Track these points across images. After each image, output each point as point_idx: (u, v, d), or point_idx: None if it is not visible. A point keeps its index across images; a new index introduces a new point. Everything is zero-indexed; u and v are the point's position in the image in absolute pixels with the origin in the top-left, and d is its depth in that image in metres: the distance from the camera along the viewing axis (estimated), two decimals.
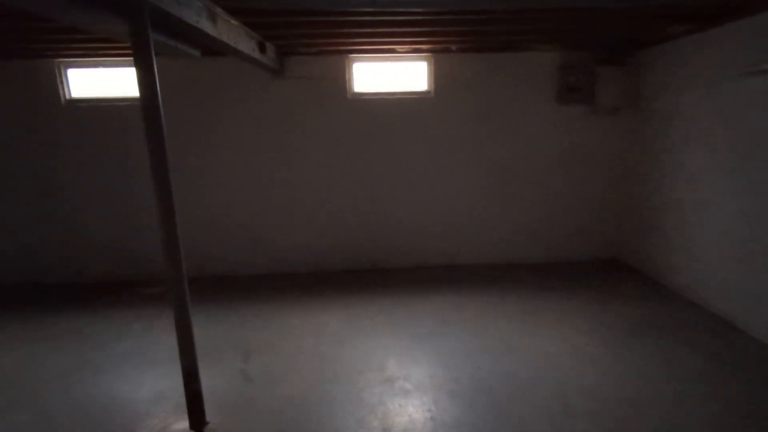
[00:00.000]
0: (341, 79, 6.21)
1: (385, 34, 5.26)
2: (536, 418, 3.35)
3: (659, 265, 5.94)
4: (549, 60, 6.33)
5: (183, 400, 3.41)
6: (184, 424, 3.39)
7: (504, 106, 6.43)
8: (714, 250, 4.95)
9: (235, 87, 6.10)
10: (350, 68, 6.24)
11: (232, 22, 4.11)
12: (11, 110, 5.98)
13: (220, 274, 6.63)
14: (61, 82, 5.97)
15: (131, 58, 6.09)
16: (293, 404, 3.61)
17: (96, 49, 5.63)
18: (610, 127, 6.59)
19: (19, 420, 3.53)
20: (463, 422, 3.34)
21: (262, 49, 4.87)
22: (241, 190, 6.45)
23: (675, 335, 4.54)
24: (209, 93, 6.12)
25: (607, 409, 3.44)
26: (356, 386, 3.83)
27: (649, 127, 6.03)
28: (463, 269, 6.66)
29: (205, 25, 3.54)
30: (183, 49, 4.20)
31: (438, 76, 6.29)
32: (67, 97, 6.03)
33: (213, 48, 4.32)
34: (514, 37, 5.60)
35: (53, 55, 5.77)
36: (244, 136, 6.28)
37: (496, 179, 6.65)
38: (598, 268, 6.64)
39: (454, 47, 6.14)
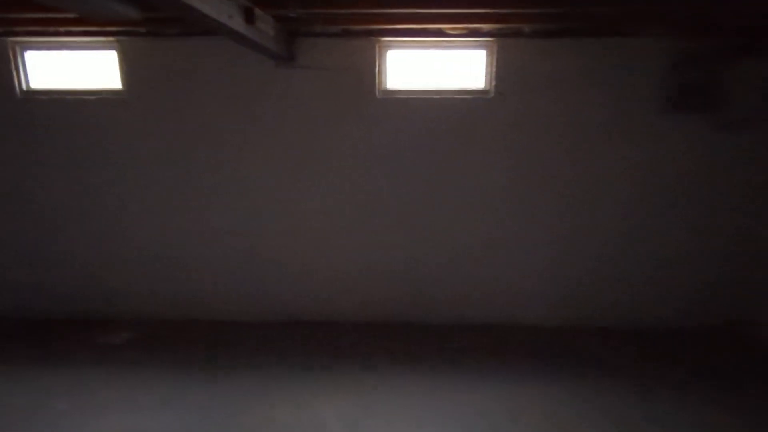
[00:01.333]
0: (369, 71, 4.65)
1: (432, 4, 3.68)
2: None
3: None
4: (657, 51, 4.52)
5: None
6: None
7: (591, 114, 4.66)
8: None
9: (221, 77, 4.67)
10: (382, 57, 4.68)
11: None
12: None
13: (200, 317, 5.17)
14: (17, 67, 4.74)
15: (105, 38, 4.85)
16: None
17: (59, 24, 4.35)
18: (743, 146, 4.67)
19: None
20: None
21: (249, 18, 3.38)
22: (233, 212, 4.98)
23: None
24: (188, 87, 4.72)
25: None
26: None
27: None
28: (519, 332, 4.90)
29: None
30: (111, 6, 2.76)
31: (502, 69, 4.62)
32: (24, 87, 4.79)
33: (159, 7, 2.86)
34: (614, 16, 3.86)
35: (5, 32, 4.54)
36: (233, 144, 4.83)
37: (573, 212, 4.87)
38: (721, 340, 4.69)
39: (527, 28, 4.45)
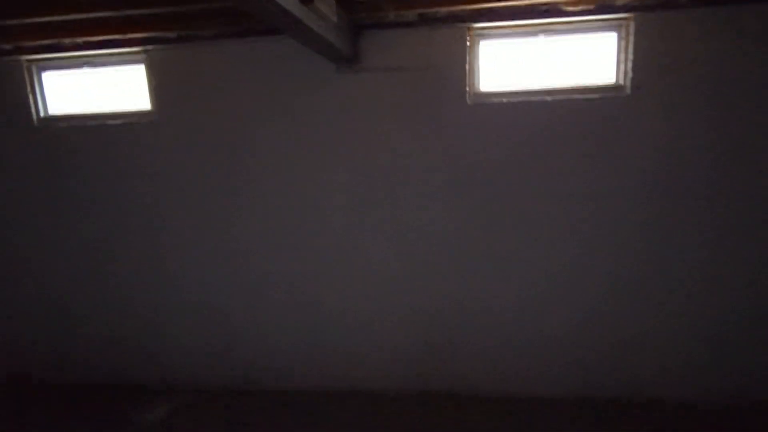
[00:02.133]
0: (457, 70, 3.52)
1: None
2: None
3: None
4: None
5: None
6: None
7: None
8: None
9: (267, 89, 3.69)
10: (474, 50, 3.54)
11: None
12: None
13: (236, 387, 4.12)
14: (33, 91, 4.00)
15: (130, 50, 4.02)
16: None
17: (73, 31, 3.56)
18: None
19: None
20: None
21: None
22: (282, 254, 3.95)
23: None
24: (228, 103, 3.77)
25: None
26: None
27: None
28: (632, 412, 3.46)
29: None
30: None
31: (641, 56, 3.34)
32: (42, 113, 4.04)
33: None
34: None
35: (15, 48, 3.81)
36: (283, 173, 3.81)
37: (726, 255, 3.44)
38: None
39: None
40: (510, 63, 3.58)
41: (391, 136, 3.66)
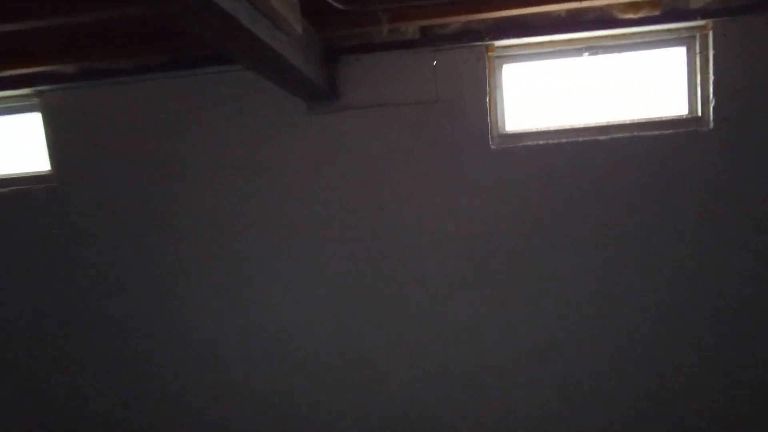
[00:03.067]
0: (474, 104, 2.55)
1: None
2: None
3: None
4: None
5: None
6: None
7: None
8: None
9: (212, 136, 2.65)
10: (495, 76, 2.59)
11: None
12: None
13: None
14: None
15: (20, 93, 2.74)
16: None
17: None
18: None
19: None
20: None
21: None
22: (236, 358, 2.82)
23: None
24: (155, 161, 2.72)
25: None
26: None
27: None
28: None
29: None
30: None
31: (726, 76, 2.44)
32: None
33: None
34: None
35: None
36: (234, 245, 2.74)
37: None
38: None
39: None
40: (545, 92, 2.63)
41: (384, 196, 2.63)
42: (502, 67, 2.60)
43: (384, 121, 2.58)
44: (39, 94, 2.74)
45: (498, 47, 2.53)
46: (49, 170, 2.83)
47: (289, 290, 2.76)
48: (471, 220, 2.62)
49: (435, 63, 2.51)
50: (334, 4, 2.08)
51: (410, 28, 2.38)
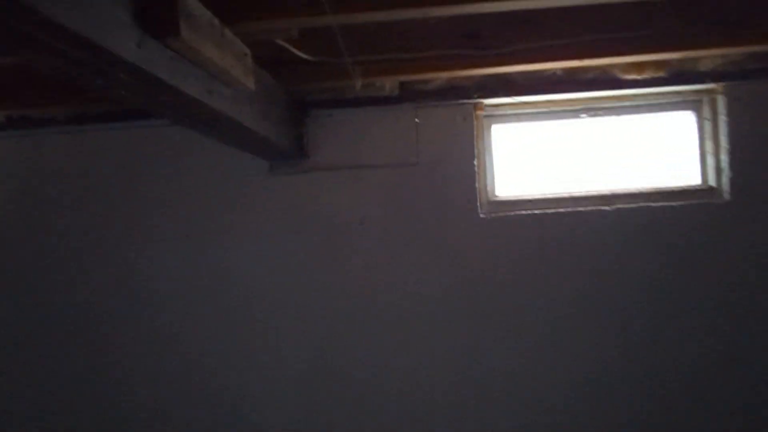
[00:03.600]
0: (461, 167, 2.25)
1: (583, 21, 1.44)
2: None
3: None
4: None
5: None
6: None
7: None
8: None
9: (155, 196, 2.32)
10: (484, 137, 2.31)
11: None
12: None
13: None
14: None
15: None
16: None
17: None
18: None
19: None
20: None
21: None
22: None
23: None
24: (90, 218, 2.37)
25: None
26: None
27: None
28: None
29: None
30: None
31: (742, 141, 2.17)
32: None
33: None
34: None
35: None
36: (198, 309, 2.35)
37: None
38: None
39: None
40: (539, 156, 2.36)
41: (356, 269, 2.28)
42: (491, 127, 2.34)
43: (357, 184, 2.27)
44: None
45: (487, 105, 2.27)
46: None
47: (245, 367, 2.36)
48: (456, 299, 2.27)
49: (417, 120, 2.24)
50: (300, 54, 1.81)
51: (388, 84, 2.11)
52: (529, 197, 2.32)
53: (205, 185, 2.31)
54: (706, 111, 2.26)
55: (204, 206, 2.31)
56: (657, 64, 2.13)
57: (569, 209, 2.26)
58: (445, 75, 2.06)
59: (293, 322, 2.31)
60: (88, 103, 2.24)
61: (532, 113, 2.32)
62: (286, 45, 1.70)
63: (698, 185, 2.27)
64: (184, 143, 2.26)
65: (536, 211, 2.26)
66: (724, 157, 2.20)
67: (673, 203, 2.22)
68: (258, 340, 2.35)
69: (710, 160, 2.25)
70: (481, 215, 2.27)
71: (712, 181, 2.25)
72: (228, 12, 1.35)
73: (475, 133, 2.26)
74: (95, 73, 0.99)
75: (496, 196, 2.33)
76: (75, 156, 2.41)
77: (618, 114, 2.30)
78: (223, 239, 2.32)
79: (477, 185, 2.26)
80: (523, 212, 2.28)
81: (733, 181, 2.18)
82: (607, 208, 2.24)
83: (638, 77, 2.16)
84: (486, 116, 2.31)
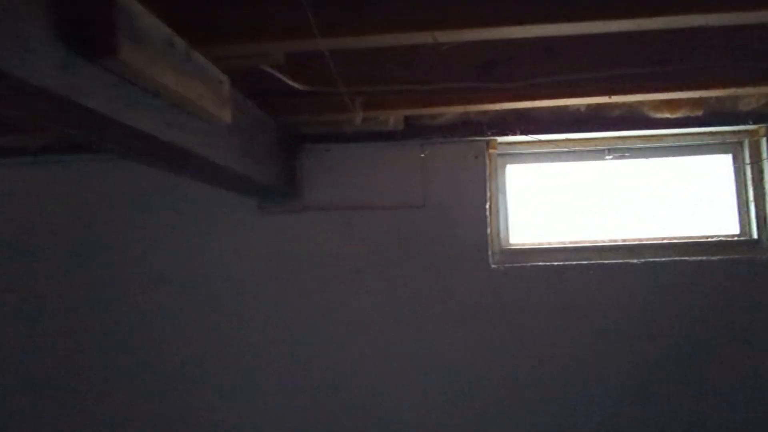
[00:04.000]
0: (471, 210, 2.01)
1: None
2: None
3: None
4: None
5: None
6: None
7: None
8: None
9: (144, 236, 2.09)
10: (497, 179, 2.08)
11: None
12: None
13: None
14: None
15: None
16: None
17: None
18: None
19: None
20: None
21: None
22: None
23: None
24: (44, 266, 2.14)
25: None
26: None
27: None
28: None
29: None
30: None
31: None
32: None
33: None
34: None
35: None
36: (172, 367, 2.08)
37: None
38: None
39: None
40: (558, 200, 2.11)
41: (351, 325, 2.02)
42: (505, 167, 2.11)
43: (355, 227, 2.03)
44: None
45: (501, 143, 2.05)
46: None
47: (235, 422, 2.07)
48: (463, 359, 1.99)
49: (423, 155, 2.01)
50: (292, 84, 1.60)
51: (392, 118, 1.89)
52: (547, 246, 2.07)
53: (185, 223, 2.07)
54: (747, 154, 2.02)
55: (182, 247, 2.07)
56: (693, 103, 1.91)
57: (592, 261, 2.00)
58: (456, 109, 1.84)
59: (279, 387, 2.03)
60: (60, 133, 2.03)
61: (552, 153, 2.08)
62: (275, 72, 1.49)
63: (738, 237, 2.01)
64: (161, 176, 2.04)
65: (555, 263, 2.01)
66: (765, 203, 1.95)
67: (711, 257, 1.96)
68: (244, 398, 2.07)
69: (751, 210, 2.00)
70: (493, 265, 2.01)
71: (754, 233, 1.99)
72: (201, 33, 1.15)
73: (487, 173, 2.02)
74: (8, 103, 0.77)
75: (510, 245, 2.08)
76: (44, 190, 2.19)
77: (647, 156, 2.07)
78: (203, 283, 2.07)
79: (488, 231, 2.02)
80: (540, 263, 2.02)
81: None
82: (635, 261, 1.98)
83: (671, 116, 1.94)
84: (500, 155, 2.08)
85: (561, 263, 2.01)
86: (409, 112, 1.84)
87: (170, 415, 2.07)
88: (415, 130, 1.99)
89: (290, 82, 1.58)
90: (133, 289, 2.11)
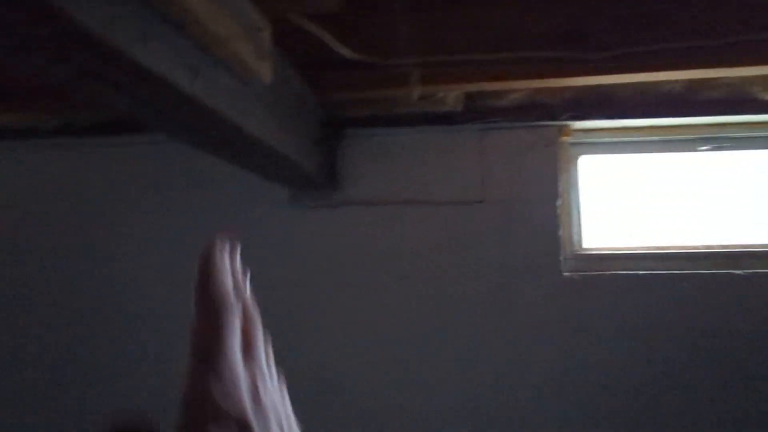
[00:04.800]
0: (540, 210, 1.72)
1: None
2: None
3: None
4: None
5: None
6: None
7: None
8: None
9: (166, 224, 1.84)
10: (570, 172, 1.78)
11: None
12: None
13: None
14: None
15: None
16: None
17: None
18: None
19: None
20: None
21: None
22: None
23: None
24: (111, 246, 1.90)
25: None
26: None
27: None
28: None
29: None
30: None
31: None
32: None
33: None
34: None
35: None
36: None
37: None
38: None
39: None
40: (643, 198, 1.80)
41: (393, 346, 1.73)
42: (579, 158, 1.80)
43: (403, 226, 1.75)
44: None
45: (576, 130, 1.75)
46: None
47: None
48: (529, 382, 1.68)
49: (483, 143, 1.73)
50: (341, 51, 1.34)
51: (451, 95, 1.61)
52: (629, 251, 1.75)
53: (206, 215, 1.82)
54: None
55: (202, 241, 1.82)
56: None
57: (685, 271, 1.68)
58: (528, 84, 1.55)
59: (309, 402, 1.75)
60: (78, 112, 1.81)
61: (635, 142, 1.77)
62: (323, 35, 1.23)
63: None
64: (182, 162, 1.79)
65: (639, 272, 1.69)
66: None
67: None
68: None
69: None
70: (565, 273, 1.70)
71: None
72: None
73: (559, 165, 1.72)
74: None
75: (584, 249, 1.77)
76: (60, 174, 1.97)
77: (751, 147, 1.74)
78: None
79: (560, 233, 1.71)
80: (621, 272, 1.70)
81: None
82: (737, 271, 1.65)
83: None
84: (574, 143, 1.78)
85: (647, 272, 1.68)
86: (472, 86, 1.55)
87: None
88: (475, 113, 1.70)
89: (338, 48, 1.32)
90: (148, 285, 1.87)
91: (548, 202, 1.72)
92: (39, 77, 1.64)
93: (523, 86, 1.58)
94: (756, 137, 1.73)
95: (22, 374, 1.91)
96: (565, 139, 1.73)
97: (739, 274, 1.65)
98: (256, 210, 1.80)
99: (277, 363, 0.98)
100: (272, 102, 1.13)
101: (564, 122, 1.69)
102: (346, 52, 1.35)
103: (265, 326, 1.02)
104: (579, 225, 1.78)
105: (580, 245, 1.77)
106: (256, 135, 1.03)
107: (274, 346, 1.06)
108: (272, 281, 1.80)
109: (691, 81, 1.58)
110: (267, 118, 1.09)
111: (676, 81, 1.59)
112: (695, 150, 1.75)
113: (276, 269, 1.79)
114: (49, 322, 1.93)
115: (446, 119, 1.68)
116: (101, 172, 1.93)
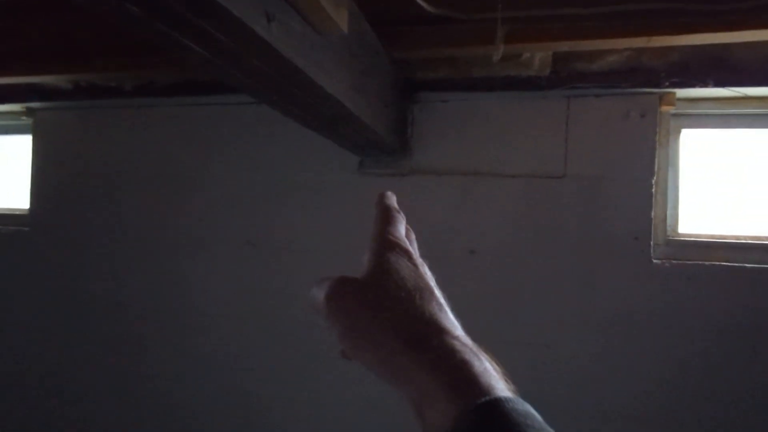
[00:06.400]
0: (631, 188, 1.54)
1: None
2: None
3: None
4: None
5: None
6: None
7: None
8: None
9: (236, 186, 1.85)
10: (668, 147, 1.58)
11: None
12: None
13: None
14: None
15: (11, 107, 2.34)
16: None
17: None
18: None
19: None
20: None
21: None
22: None
23: None
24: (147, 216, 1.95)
25: None
26: None
27: None
28: None
29: None
30: None
31: None
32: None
33: None
34: None
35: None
36: (253, 331, 1.84)
37: None
38: None
39: None
40: (754, 177, 1.58)
41: (461, 320, 1.65)
42: (680, 132, 1.60)
43: (474, 197, 1.64)
44: (29, 112, 2.13)
45: (680, 99, 1.54)
46: (27, 209, 2.18)
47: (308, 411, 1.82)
48: (608, 377, 1.55)
49: (568, 111, 1.57)
50: (422, 3, 1.24)
51: (538, 57, 1.46)
52: (733, 240, 1.54)
53: (275, 181, 1.81)
54: None
55: (270, 207, 1.81)
56: None
57: None
58: (629, 43, 1.37)
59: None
60: (161, 71, 1.83)
61: (751, 115, 1.54)
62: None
63: None
64: (258, 125, 1.77)
65: (746, 264, 1.48)
66: None
67: None
68: (323, 386, 1.80)
69: None
70: (655, 260, 1.53)
71: None
72: None
73: (657, 138, 1.53)
74: None
75: (680, 234, 1.58)
76: (138, 135, 2.03)
77: None
78: (289, 250, 1.80)
79: (652, 215, 1.53)
80: (722, 263, 1.50)
81: None
82: None
83: None
84: (675, 115, 1.57)
85: (753, 265, 1.48)
86: (563, 45, 1.39)
87: (263, 379, 1.85)
88: (562, 78, 1.54)
89: (420, 1, 1.22)
90: (213, 252, 1.90)
91: (641, 179, 1.54)
92: (123, 36, 1.67)
93: (622, 45, 1.39)
94: None
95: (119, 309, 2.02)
96: (666, 109, 1.53)
97: None
98: (325, 176, 1.76)
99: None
100: (346, 57, 1.05)
101: (668, 89, 1.49)
102: (427, 5, 1.24)
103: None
104: (675, 207, 1.59)
105: (675, 230, 1.58)
106: (328, 90, 0.96)
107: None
108: (338, 248, 1.77)
109: None
110: (339, 74, 1.02)
111: None
112: None
113: (342, 236, 1.75)
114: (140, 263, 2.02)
115: (529, 84, 1.54)
116: (176, 133, 1.96)
